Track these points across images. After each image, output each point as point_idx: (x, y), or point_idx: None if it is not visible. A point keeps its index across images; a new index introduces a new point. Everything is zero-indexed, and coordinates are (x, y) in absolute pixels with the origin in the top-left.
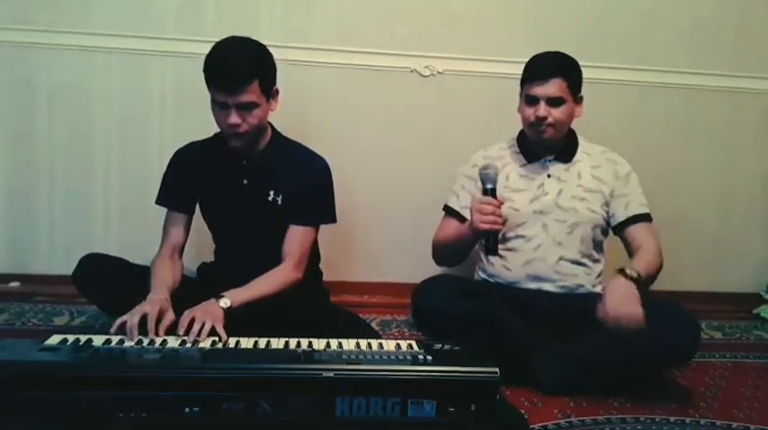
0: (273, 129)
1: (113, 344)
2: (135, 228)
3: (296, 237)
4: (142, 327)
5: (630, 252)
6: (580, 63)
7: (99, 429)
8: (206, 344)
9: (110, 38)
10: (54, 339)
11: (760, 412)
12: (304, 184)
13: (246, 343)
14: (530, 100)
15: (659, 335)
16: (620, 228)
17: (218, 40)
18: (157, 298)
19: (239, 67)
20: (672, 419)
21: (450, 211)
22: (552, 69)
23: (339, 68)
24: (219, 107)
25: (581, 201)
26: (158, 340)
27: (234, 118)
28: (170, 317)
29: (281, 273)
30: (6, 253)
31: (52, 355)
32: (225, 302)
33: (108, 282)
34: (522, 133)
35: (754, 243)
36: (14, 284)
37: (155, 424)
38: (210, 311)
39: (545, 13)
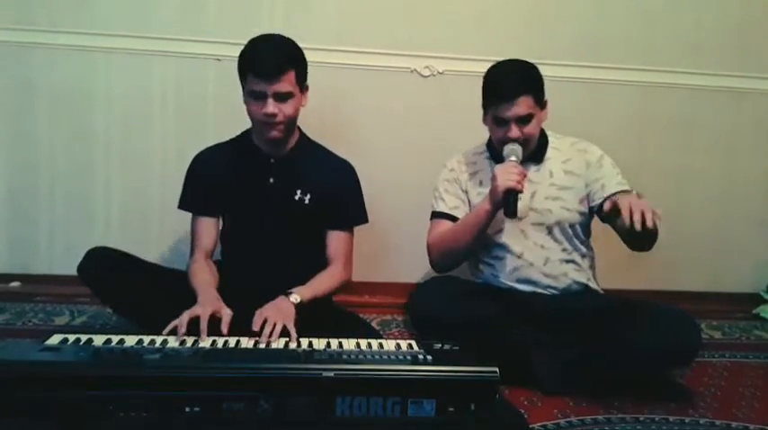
0: (301, 130)
1: (114, 344)
2: (135, 227)
3: (338, 242)
4: (194, 328)
5: (623, 230)
6: (580, 63)
7: (100, 429)
8: (206, 343)
9: (110, 38)
10: (55, 339)
11: (759, 412)
12: (337, 189)
13: (247, 343)
14: (498, 122)
15: (660, 337)
16: (601, 211)
17: (218, 40)
18: (207, 298)
19: (278, 55)
20: (671, 419)
21: (439, 215)
22: (518, 88)
23: (339, 69)
24: (256, 98)
25: (555, 201)
26: (159, 340)
27: (271, 107)
28: (227, 313)
29: (336, 273)
30: (7, 253)
31: (53, 355)
32: (295, 298)
33: (113, 275)
34: (491, 139)
35: (754, 243)
36: (15, 284)
37: (155, 423)
38: (283, 309)
39: (545, 14)
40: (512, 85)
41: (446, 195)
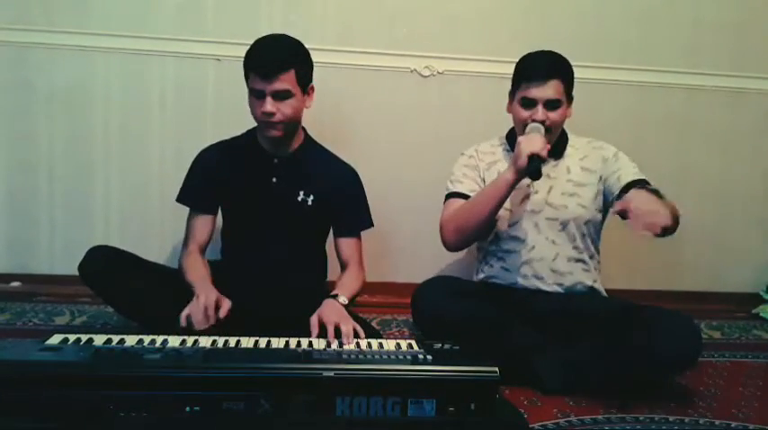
0: (306, 132)
1: (114, 343)
2: (135, 227)
3: (350, 247)
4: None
5: None
6: (578, 63)
7: (100, 429)
8: (206, 343)
9: (109, 38)
10: (55, 339)
11: (759, 412)
12: (341, 194)
13: (247, 342)
14: (526, 103)
15: (661, 344)
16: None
17: (218, 40)
18: (205, 289)
19: (277, 54)
20: (671, 418)
21: (456, 195)
22: (550, 71)
23: (339, 69)
24: (256, 96)
25: (571, 197)
26: (159, 339)
27: (269, 106)
28: (227, 302)
29: (356, 275)
30: (7, 253)
31: (53, 355)
32: (343, 300)
33: (114, 273)
34: (512, 131)
35: (753, 242)
36: (15, 284)
37: (155, 423)
38: (339, 311)
39: (544, 14)
40: (544, 66)
41: (465, 179)
